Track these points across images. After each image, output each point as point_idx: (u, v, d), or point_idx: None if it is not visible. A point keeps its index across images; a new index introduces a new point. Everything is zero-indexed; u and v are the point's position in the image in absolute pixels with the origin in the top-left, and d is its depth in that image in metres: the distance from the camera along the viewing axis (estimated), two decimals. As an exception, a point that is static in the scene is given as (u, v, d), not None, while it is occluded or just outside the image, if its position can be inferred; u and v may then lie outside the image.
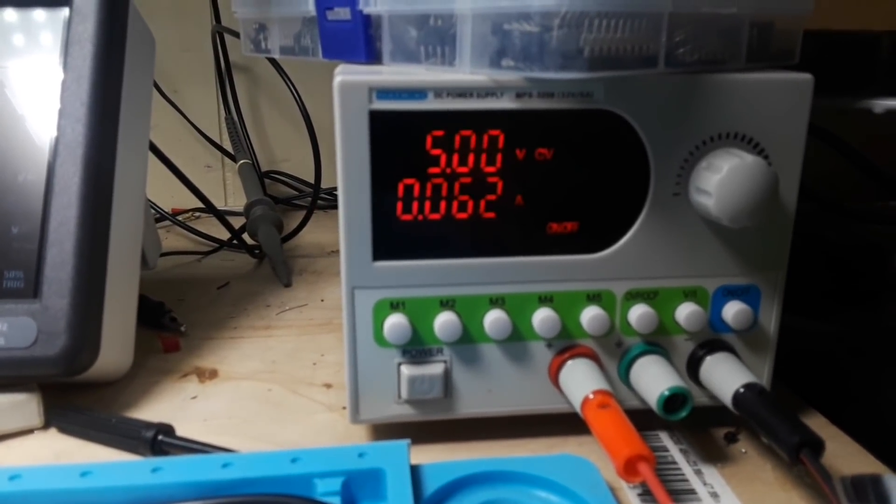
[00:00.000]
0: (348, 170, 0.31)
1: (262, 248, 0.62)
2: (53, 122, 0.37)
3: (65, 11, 0.38)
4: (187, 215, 0.74)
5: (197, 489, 0.27)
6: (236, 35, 0.67)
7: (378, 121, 0.30)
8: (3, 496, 0.27)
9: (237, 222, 0.65)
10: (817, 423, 0.36)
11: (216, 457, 0.29)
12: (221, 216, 0.61)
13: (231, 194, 0.81)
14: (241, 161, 0.73)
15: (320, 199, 0.71)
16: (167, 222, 0.69)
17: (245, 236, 0.64)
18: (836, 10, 0.45)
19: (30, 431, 0.36)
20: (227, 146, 0.78)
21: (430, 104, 0.30)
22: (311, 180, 0.67)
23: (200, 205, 0.60)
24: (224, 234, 0.63)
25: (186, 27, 0.75)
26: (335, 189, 0.77)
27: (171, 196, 0.71)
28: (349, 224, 0.31)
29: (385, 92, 0.30)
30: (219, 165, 0.80)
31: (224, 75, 0.76)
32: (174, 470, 0.28)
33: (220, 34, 0.75)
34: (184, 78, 0.76)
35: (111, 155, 0.38)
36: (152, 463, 0.28)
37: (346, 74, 0.30)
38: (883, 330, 0.49)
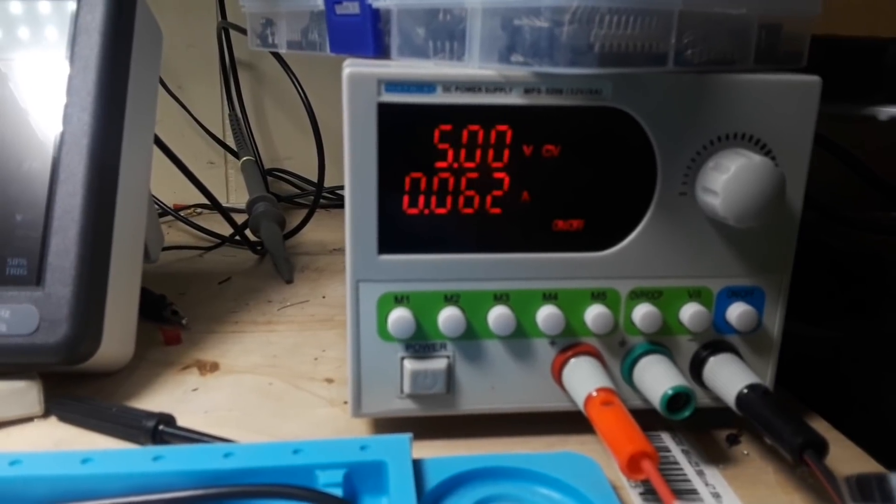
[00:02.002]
0: (355, 162, 0.31)
1: (264, 244, 0.62)
2: (59, 112, 0.37)
3: (72, 2, 0.38)
4: (189, 211, 0.74)
5: (198, 478, 0.27)
6: (242, 31, 0.67)
7: (386, 113, 0.30)
8: (2, 481, 0.27)
9: (239, 219, 0.65)
10: (819, 427, 0.36)
11: (218, 446, 0.29)
12: (224, 211, 0.61)
13: (233, 191, 0.81)
14: (245, 158, 0.73)
15: (323, 198, 0.71)
16: (169, 217, 0.69)
17: (247, 232, 0.64)
18: (844, 17, 0.45)
19: (29, 419, 0.36)
20: (231, 143, 0.77)
21: (439, 98, 0.30)
22: (314, 179, 0.67)
23: (203, 200, 0.60)
24: (226, 231, 0.63)
25: (192, 23, 0.75)
26: (338, 188, 0.77)
27: (174, 192, 0.71)
28: (355, 217, 0.31)
29: (394, 84, 0.30)
30: (221, 162, 0.80)
31: (229, 72, 0.76)
32: (176, 458, 0.28)
33: (225, 30, 0.75)
34: (188, 74, 0.76)
35: (116, 145, 0.38)
36: (154, 451, 0.28)
37: (355, 66, 0.30)
38: (883, 336, 0.49)
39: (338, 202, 0.78)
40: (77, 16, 0.38)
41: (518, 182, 0.32)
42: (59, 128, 0.36)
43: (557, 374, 0.34)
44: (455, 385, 0.34)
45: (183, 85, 0.76)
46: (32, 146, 0.37)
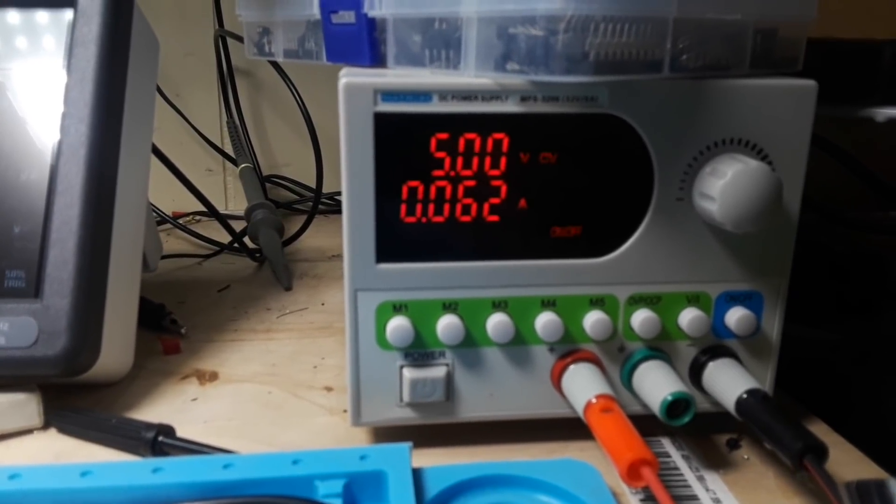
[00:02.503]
0: (352, 172, 0.31)
1: (263, 251, 0.62)
2: (57, 123, 0.37)
3: (69, 13, 0.38)
4: (188, 218, 0.74)
5: (198, 490, 0.27)
6: (239, 39, 0.67)
7: (383, 123, 0.30)
8: (2, 495, 0.27)
9: (238, 226, 0.65)
10: (819, 431, 0.36)
11: (217, 458, 0.29)
12: (223, 219, 0.61)
13: (232, 198, 0.81)
14: (243, 165, 0.73)
15: (321, 204, 0.71)
16: (168, 225, 0.69)
17: (246, 240, 0.64)
18: (839, 19, 0.45)
19: (29, 432, 0.36)
20: (229, 150, 0.78)
21: (435, 107, 0.30)
22: (313, 185, 0.67)
23: (201, 208, 0.60)
24: (225, 238, 0.63)
25: (189, 31, 0.75)
26: (336, 194, 0.77)
27: (172, 199, 0.71)
28: (353, 226, 0.31)
29: (390, 94, 0.30)
30: (220, 169, 0.80)
31: (226, 79, 0.76)
32: (175, 470, 0.28)
33: (222, 38, 0.75)
34: (186, 81, 0.76)
35: (114, 156, 0.38)
36: (153, 463, 0.28)
37: (351, 76, 0.30)
38: (883, 338, 0.49)
39: (336, 208, 0.78)
40: (74, 26, 0.38)
41: (515, 189, 0.32)
42: (57, 138, 0.36)
43: (557, 381, 0.34)
44: (454, 393, 0.34)
45: (181, 93, 0.76)
46: (30, 157, 0.37)
